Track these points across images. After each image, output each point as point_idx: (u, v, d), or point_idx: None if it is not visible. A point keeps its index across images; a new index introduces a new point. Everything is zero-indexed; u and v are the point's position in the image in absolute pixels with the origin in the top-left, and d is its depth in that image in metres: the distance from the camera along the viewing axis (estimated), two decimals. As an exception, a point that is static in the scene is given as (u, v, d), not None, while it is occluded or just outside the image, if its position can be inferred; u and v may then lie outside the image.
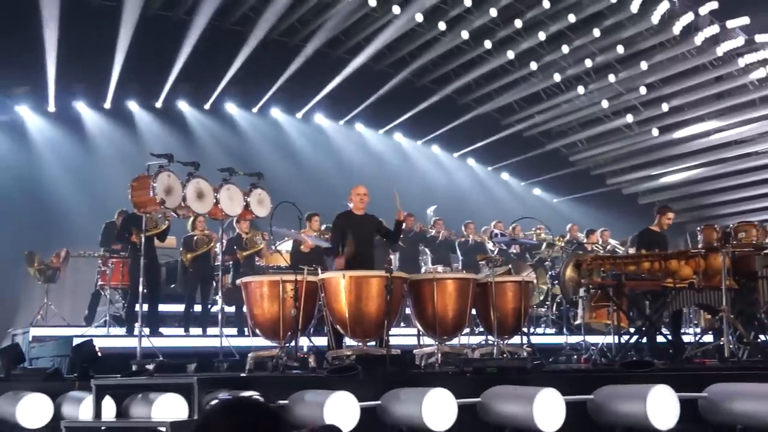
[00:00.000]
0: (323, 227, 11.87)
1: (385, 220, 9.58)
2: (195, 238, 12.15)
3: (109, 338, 10.84)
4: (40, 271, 13.05)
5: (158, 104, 19.47)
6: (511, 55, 21.05)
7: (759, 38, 20.30)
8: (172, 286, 13.33)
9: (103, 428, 6.22)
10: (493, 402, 5.67)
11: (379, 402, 5.60)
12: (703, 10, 20.10)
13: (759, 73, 20.60)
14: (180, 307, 12.26)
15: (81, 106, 18.71)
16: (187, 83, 19.29)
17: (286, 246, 12.25)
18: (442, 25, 20.14)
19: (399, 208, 9.23)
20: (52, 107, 18.03)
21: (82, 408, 6.40)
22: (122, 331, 11.27)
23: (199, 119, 20.20)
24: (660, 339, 9.95)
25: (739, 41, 20.40)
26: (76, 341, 8.81)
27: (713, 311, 9.67)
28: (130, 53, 17.35)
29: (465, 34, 20.38)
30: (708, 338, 10.73)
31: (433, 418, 5.28)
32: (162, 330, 11.13)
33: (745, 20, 20.13)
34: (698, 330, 11.71)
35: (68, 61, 16.95)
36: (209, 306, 12.32)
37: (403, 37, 20.53)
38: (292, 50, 19.93)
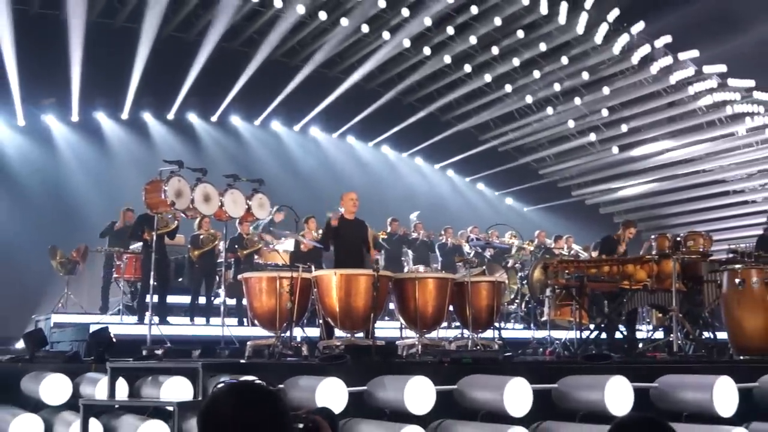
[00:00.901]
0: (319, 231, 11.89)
1: (371, 224, 9.57)
2: (201, 236, 12.10)
3: (122, 326, 10.77)
4: (62, 264, 13.00)
5: (170, 116, 19.41)
6: (488, 78, 21.10)
7: (707, 69, 20.46)
8: (180, 279, 13.25)
9: (116, 406, 6.19)
10: (468, 389, 5.66)
11: (365, 387, 5.58)
12: (659, 43, 20.26)
13: (706, 100, 20.73)
14: (186, 299, 12.21)
15: (101, 117, 18.65)
16: (197, 97, 19.24)
17: (284, 246, 12.25)
18: (427, 50, 20.19)
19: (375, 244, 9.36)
20: (75, 117, 17.97)
21: (98, 388, 6.36)
22: (134, 319, 11.21)
23: (207, 130, 20.15)
24: (617, 335, 9.99)
25: (690, 71, 20.54)
26: (92, 328, 8.76)
27: (664, 311, 9.70)
28: (146, 70, 17.35)
29: (447, 59, 20.44)
30: (659, 335, 10.75)
31: (414, 402, 5.27)
32: (170, 319, 11.08)
33: (694, 53, 20.30)
34: (650, 327, 11.74)
35: (91, 76, 16.92)
36: (213, 298, 12.26)
37: (391, 59, 20.54)
38: (292, 70, 19.91)
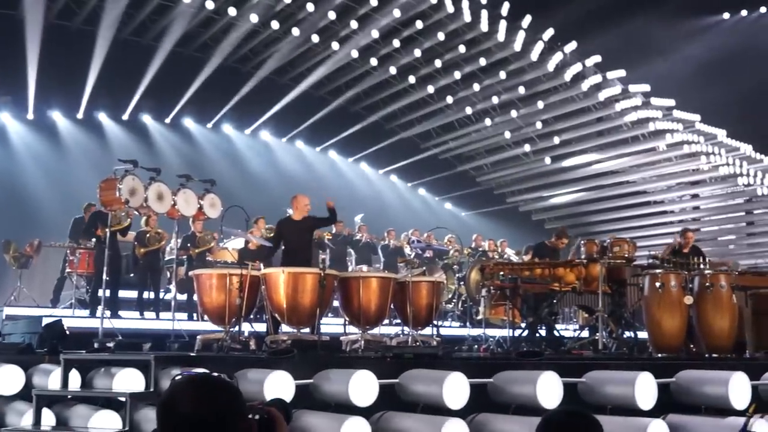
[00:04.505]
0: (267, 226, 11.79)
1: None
2: (148, 235, 11.80)
3: (74, 318, 10.51)
4: (15, 258, 12.64)
5: (125, 117, 19.10)
6: (431, 89, 21.27)
7: (632, 88, 20.96)
8: (132, 275, 13.00)
9: (69, 396, 6.06)
10: (409, 383, 5.68)
11: (311, 380, 5.57)
12: (589, 62, 20.69)
13: (631, 117, 21.23)
14: (136, 294, 11.99)
15: (57, 116, 18.23)
16: (151, 99, 18.96)
17: (234, 244, 12.10)
18: (374, 61, 20.26)
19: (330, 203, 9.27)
20: (31, 115, 17.55)
21: (51, 379, 6.23)
22: (86, 312, 10.96)
23: (161, 131, 19.86)
24: (544, 333, 10.13)
25: (617, 89, 21.00)
26: (45, 320, 8.55)
27: (590, 311, 9.87)
28: (102, 71, 17.06)
29: (393, 70, 20.55)
30: (585, 333, 10.91)
31: (358, 395, 5.27)
32: (121, 313, 10.87)
33: (621, 73, 20.79)
34: (577, 326, 11.91)
35: (47, 76, 16.56)
36: (162, 294, 12.05)
37: (340, 69, 20.55)
38: (244, 76, 19.78)
